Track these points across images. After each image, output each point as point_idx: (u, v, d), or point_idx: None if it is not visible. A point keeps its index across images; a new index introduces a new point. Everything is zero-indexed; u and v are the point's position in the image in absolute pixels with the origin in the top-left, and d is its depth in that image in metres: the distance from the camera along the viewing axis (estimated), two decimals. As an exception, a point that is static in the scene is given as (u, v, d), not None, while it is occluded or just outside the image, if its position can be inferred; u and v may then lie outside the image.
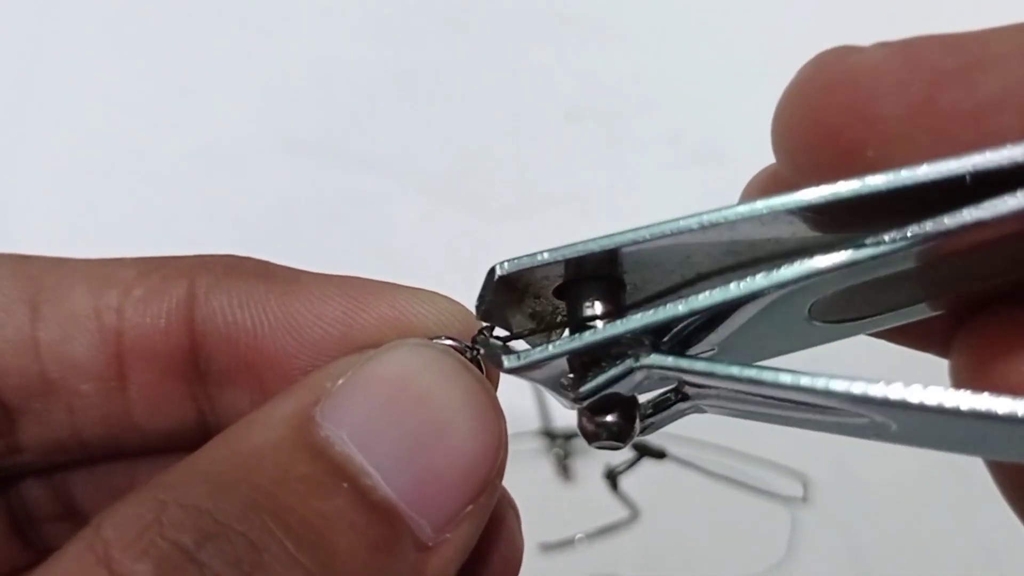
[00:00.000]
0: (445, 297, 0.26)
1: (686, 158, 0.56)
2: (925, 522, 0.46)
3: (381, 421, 0.22)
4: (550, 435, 0.46)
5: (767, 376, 0.19)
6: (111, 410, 0.25)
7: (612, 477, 0.37)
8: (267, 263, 0.27)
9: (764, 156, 0.61)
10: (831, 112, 0.21)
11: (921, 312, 0.23)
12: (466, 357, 0.24)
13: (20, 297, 0.25)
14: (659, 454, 0.36)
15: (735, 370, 0.20)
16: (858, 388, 0.18)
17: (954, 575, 0.45)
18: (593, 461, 0.46)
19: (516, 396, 0.47)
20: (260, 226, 0.54)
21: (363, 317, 0.25)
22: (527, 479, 0.46)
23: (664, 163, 0.56)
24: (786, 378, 0.19)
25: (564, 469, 0.46)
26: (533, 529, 0.46)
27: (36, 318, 0.25)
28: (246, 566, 0.20)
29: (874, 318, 0.23)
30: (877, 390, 0.18)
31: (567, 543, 0.43)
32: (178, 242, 0.53)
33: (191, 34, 0.61)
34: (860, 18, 0.60)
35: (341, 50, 0.60)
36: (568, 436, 0.46)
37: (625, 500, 0.39)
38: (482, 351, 0.24)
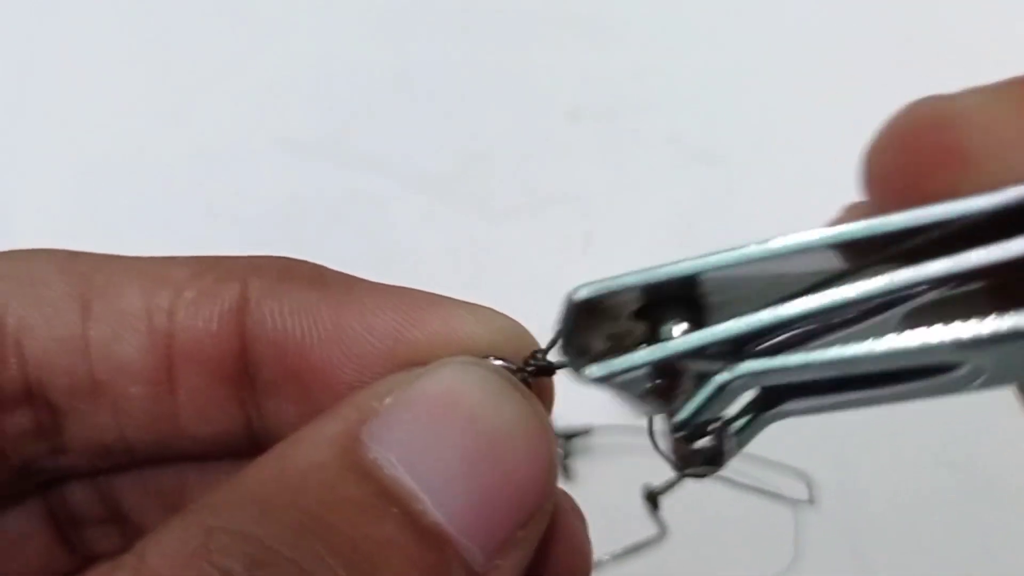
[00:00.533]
0: (500, 314, 0.26)
1: (687, 158, 0.56)
2: (929, 522, 0.46)
3: (431, 442, 0.21)
4: None
5: (867, 349, 0.19)
6: (158, 413, 0.25)
7: (653, 498, 0.37)
8: (322, 269, 0.27)
9: (763, 156, 0.62)
10: (927, 154, 0.21)
11: None
12: (518, 377, 0.23)
13: (70, 294, 0.24)
14: (701, 474, 0.36)
15: (833, 353, 0.19)
16: (967, 331, 0.17)
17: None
18: (592, 461, 0.46)
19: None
20: (260, 226, 0.54)
21: (414, 332, 0.25)
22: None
23: (665, 163, 0.56)
24: (886, 345, 0.18)
25: (564, 469, 0.46)
26: None
27: (87, 316, 0.24)
28: None
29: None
30: (986, 327, 0.17)
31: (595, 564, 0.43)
32: (178, 242, 0.53)
33: (191, 34, 0.61)
34: (860, 18, 0.60)
35: (341, 50, 0.60)
36: (568, 436, 0.46)
37: (658, 520, 0.39)
38: (532, 370, 0.24)
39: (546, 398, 0.26)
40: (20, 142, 0.57)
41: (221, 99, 0.59)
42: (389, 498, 0.21)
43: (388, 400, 0.22)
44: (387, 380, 0.23)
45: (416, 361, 0.24)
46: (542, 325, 0.53)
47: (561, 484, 0.47)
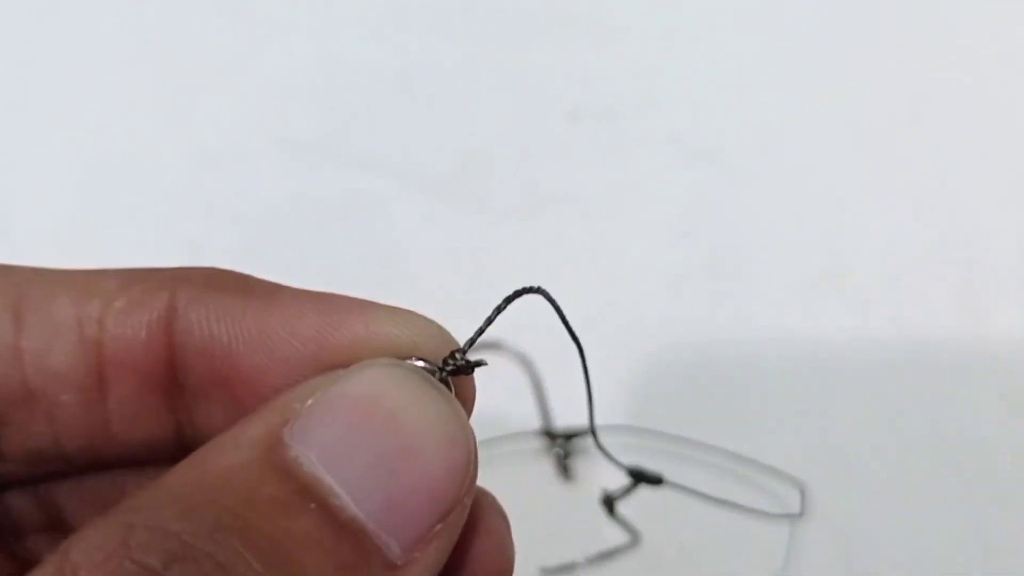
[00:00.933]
0: (421, 317, 0.26)
1: (687, 158, 0.56)
2: (924, 525, 0.46)
3: (350, 441, 0.22)
4: (550, 435, 0.46)
5: None
6: (91, 421, 0.25)
7: (609, 503, 0.37)
8: (248, 277, 0.28)
9: (763, 156, 0.62)
10: None
11: None
12: (437, 377, 0.24)
13: (3, 305, 0.25)
14: (656, 480, 0.36)
15: None
16: None
17: None
18: (593, 461, 0.46)
19: (516, 397, 0.47)
20: (260, 226, 0.54)
21: (336, 336, 0.25)
22: (528, 479, 0.46)
23: (665, 163, 0.56)
24: None
25: (564, 469, 0.46)
26: (534, 529, 0.46)
27: (19, 327, 0.25)
28: None
29: None
30: None
31: (568, 568, 0.42)
32: (178, 242, 0.53)
33: (191, 34, 0.61)
34: (860, 18, 0.60)
35: (342, 50, 0.60)
36: (568, 436, 0.46)
37: (625, 525, 0.39)
38: (451, 369, 0.24)
39: (467, 397, 0.26)
40: (20, 142, 0.57)
41: (221, 99, 0.59)
42: (308, 495, 0.21)
43: (310, 401, 0.22)
44: (309, 383, 0.23)
45: (339, 364, 0.24)
46: (542, 324, 0.53)
47: (561, 484, 0.47)
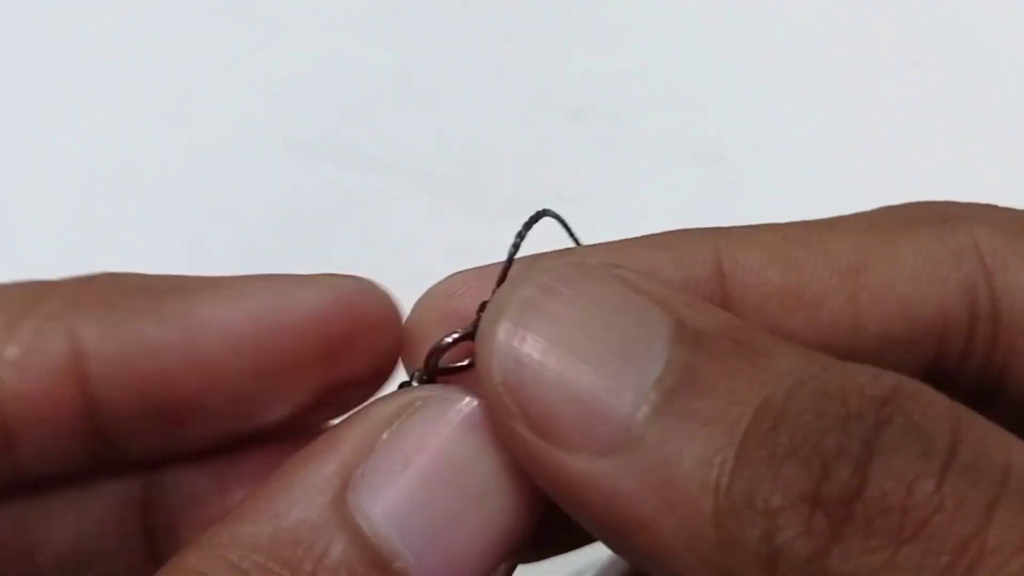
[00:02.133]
0: (340, 276, 0.28)
1: (689, 158, 0.56)
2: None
3: (417, 497, 0.21)
4: None
5: None
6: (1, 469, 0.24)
7: None
8: (150, 283, 0.27)
9: (766, 156, 0.62)
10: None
11: None
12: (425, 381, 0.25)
13: None
14: None
15: None
16: None
17: None
18: None
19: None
20: (260, 226, 0.54)
21: (259, 325, 0.26)
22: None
23: (667, 163, 0.56)
24: None
25: None
26: None
27: None
28: None
29: None
30: None
31: None
32: (177, 242, 0.53)
33: (191, 33, 0.61)
34: (861, 18, 0.60)
35: (341, 49, 0.60)
36: None
37: None
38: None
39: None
40: (19, 142, 0.57)
41: (221, 99, 0.59)
42: (375, 559, 0.21)
43: (371, 455, 0.21)
44: (363, 430, 0.22)
45: (298, 338, 0.25)
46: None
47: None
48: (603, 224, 0.53)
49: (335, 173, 0.56)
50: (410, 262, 0.53)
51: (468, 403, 0.22)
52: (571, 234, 0.25)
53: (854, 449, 0.17)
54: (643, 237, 0.26)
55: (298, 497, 0.21)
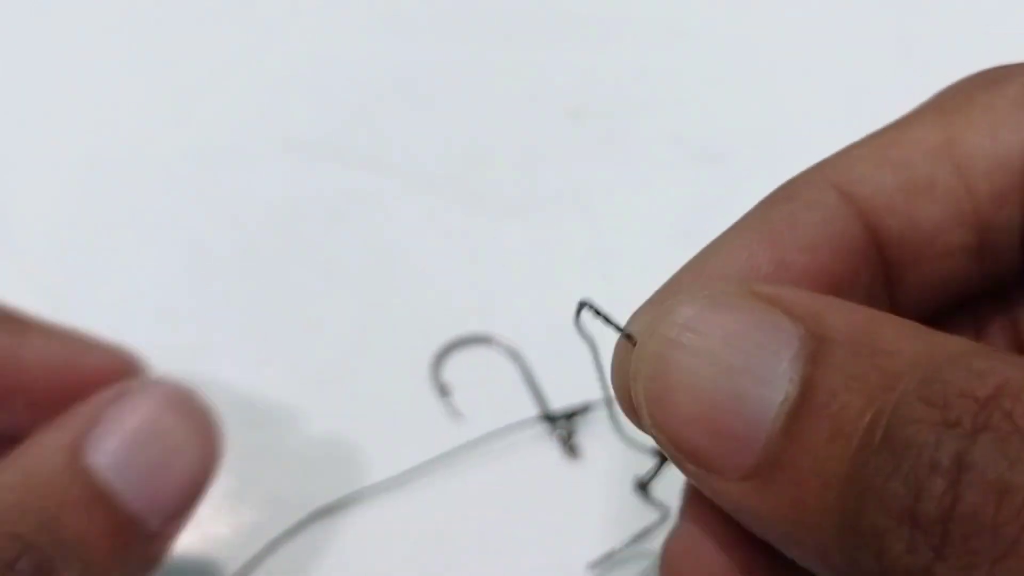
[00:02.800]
0: (109, 345, 0.37)
1: (689, 157, 0.56)
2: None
3: (132, 451, 0.30)
4: (550, 418, 0.47)
5: None
6: None
7: (643, 486, 0.38)
8: None
9: (766, 156, 0.62)
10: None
11: None
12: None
13: None
14: None
15: None
16: None
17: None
18: (595, 436, 0.47)
19: (510, 388, 0.47)
20: (260, 226, 0.54)
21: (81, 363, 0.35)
22: (535, 464, 0.46)
23: (667, 162, 0.56)
24: None
25: (570, 448, 0.46)
26: (549, 512, 0.46)
27: None
28: (45, 571, 0.26)
29: None
30: None
31: (609, 557, 0.43)
32: (177, 243, 0.53)
33: (191, 33, 0.61)
34: (862, 17, 0.60)
35: (341, 49, 0.60)
36: (568, 415, 0.47)
37: (655, 504, 0.40)
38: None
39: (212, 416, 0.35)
40: (18, 142, 0.57)
41: (221, 99, 0.59)
42: (101, 497, 0.29)
43: (100, 419, 0.31)
44: (100, 398, 0.32)
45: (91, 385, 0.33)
46: (543, 323, 0.53)
47: (568, 463, 0.47)
48: (603, 223, 0.54)
49: (335, 173, 0.56)
50: (410, 261, 0.53)
51: (172, 387, 0.33)
52: (610, 322, 0.26)
53: (945, 464, 0.17)
54: (767, 199, 0.28)
55: (43, 455, 0.29)
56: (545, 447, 0.47)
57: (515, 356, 0.48)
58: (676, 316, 0.22)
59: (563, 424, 0.46)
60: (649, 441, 0.29)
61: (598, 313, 0.26)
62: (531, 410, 0.47)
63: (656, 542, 0.43)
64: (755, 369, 0.20)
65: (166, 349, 0.51)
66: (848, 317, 0.20)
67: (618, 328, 0.26)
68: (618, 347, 0.26)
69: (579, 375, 0.50)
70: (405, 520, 0.45)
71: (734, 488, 0.20)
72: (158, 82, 0.59)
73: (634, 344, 0.24)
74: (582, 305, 0.27)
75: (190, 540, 0.46)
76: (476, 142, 0.57)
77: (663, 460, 0.34)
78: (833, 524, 0.18)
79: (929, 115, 0.27)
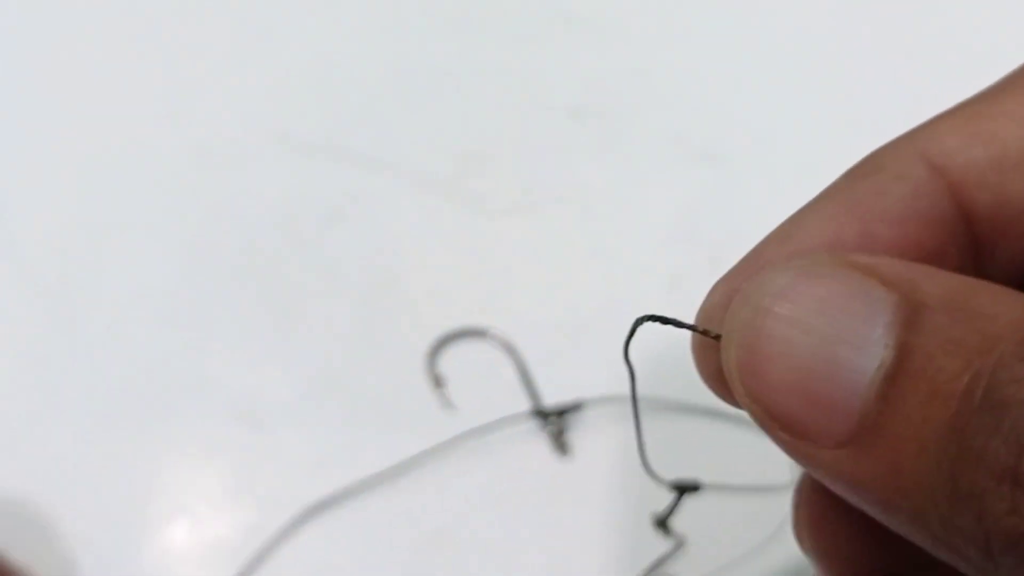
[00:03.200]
0: None
1: (689, 157, 0.56)
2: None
3: None
4: (542, 413, 0.47)
5: None
6: None
7: (662, 523, 0.38)
8: None
9: (766, 155, 0.62)
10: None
11: None
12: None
13: None
14: (695, 487, 0.37)
15: None
16: None
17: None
18: (586, 434, 0.47)
19: (504, 383, 0.47)
20: (261, 225, 0.54)
21: None
22: (526, 459, 0.47)
23: (666, 162, 0.56)
24: None
25: (561, 445, 0.46)
26: (540, 507, 0.46)
27: None
28: None
29: None
30: None
31: None
32: (178, 241, 0.53)
33: (191, 32, 0.61)
34: (863, 17, 0.60)
35: (342, 49, 0.60)
36: (560, 412, 0.47)
37: (673, 535, 0.40)
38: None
39: None
40: (18, 141, 0.57)
41: (221, 98, 0.59)
42: None
43: None
44: None
45: None
46: (545, 321, 0.52)
47: (559, 460, 0.48)
48: (603, 223, 0.54)
49: (335, 172, 0.56)
50: (409, 258, 0.53)
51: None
52: (682, 325, 0.26)
53: None
54: (853, 170, 0.27)
55: None
56: (537, 442, 0.47)
57: (510, 350, 0.48)
58: (769, 286, 0.22)
59: (555, 420, 0.47)
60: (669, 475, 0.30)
61: (665, 320, 0.26)
62: (525, 404, 0.47)
63: (673, 569, 0.43)
64: (850, 336, 0.20)
65: (165, 347, 0.51)
66: (943, 283, 0.20)
67: (693, 328, 0.25)
68: (696, 336, 0.26)
69: (574, 372, 0.50)
70: (398, 512, 0.46)
71: (829, 456, 0.20)
72: (158, 81, 0.59)
73: (714, 337, 0.24)
74: (640, 322, 0.26)
75: (190, 540, 0.46)
76: (476, 141, 0.56)
77: (681, 493, 0.35)
78: (931, 488, 0.18)
79: (1021, 85, 0.27)
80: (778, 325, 0.21)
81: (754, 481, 0.45)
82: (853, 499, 0.21)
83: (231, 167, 0.56)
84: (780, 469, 0.45)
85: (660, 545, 0.42)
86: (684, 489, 0.35)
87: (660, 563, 0.42)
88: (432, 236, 0.54)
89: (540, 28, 0.60)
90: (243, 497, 0.47)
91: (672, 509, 0.36)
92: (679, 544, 0.41)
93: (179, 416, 0.49)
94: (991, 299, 0.20)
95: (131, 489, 0.47)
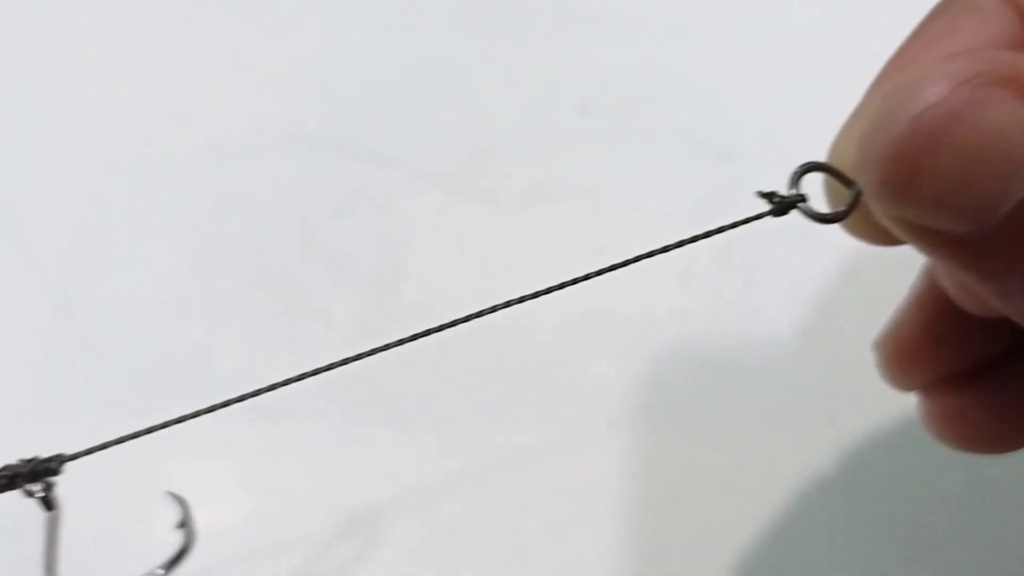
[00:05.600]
0: None
1: (698, 152, 0.55)
2: (937, 518, 0.46)
3: None
4: None
5: None
6: None
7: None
8: None
9: (775, 150, 0.61)
10: None
11: None
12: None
13: None
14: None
15: None
16: None
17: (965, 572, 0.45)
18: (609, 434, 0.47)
19: (507, 381, 0.47)
20: (271, 219, 0.54)
21: None
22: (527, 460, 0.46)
23: (676, 157, 0.56)
24: None
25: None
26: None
27: None
28: None
29: None
30: None
31: None
32: (187, 237, 0.53)
33: (199, 27, 0.61)
34: (871, 13, 0.60)
35: (351, 44, 0.60)
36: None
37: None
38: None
39: None
40: (25, 138, 0.57)
41: (230, 93, 0.59)
42: None
43: None
44: None
45: None
46: (555, 316, 0.52)
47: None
48: (612, 217, 0.54)
49: (345, 166, 0.56)
50: (419, 255, 0.53)
51: None
52: (842, 180, 0.26)
53: None
54: (925, 18, 0.30)
55: None
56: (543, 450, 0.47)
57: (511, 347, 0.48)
58: (915, 101, 0.22)
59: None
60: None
61: (828, 169, 0.26)
62: (522, 401, 0.47)
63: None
64: (1003, 139, 0.21)
65: (172, 343, 0.51)
66: None
67: (847, 181, 0.26)
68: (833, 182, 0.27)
69: (585, 367, 0.50)
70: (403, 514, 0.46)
71: (972, 251, 0.22)
72: (165, 76, 0.59)
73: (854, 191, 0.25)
74: (806, 170, 0.27)
75: (200, 533, 0.46)
76: (486, 136, 0.56)
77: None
78: None
79: None
80: (930, 137, 0.22)
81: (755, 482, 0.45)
82: (988, 290, 0.23)
83: (240, 161, 0.56)
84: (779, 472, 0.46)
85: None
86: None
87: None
88: (442, 231, 0.53)
89: (550, 23, 0.60)
90: (253, 490, 0.47)
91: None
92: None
93: (188, 409, 0.49)
94: None
95: (139, 482, 0.47)
